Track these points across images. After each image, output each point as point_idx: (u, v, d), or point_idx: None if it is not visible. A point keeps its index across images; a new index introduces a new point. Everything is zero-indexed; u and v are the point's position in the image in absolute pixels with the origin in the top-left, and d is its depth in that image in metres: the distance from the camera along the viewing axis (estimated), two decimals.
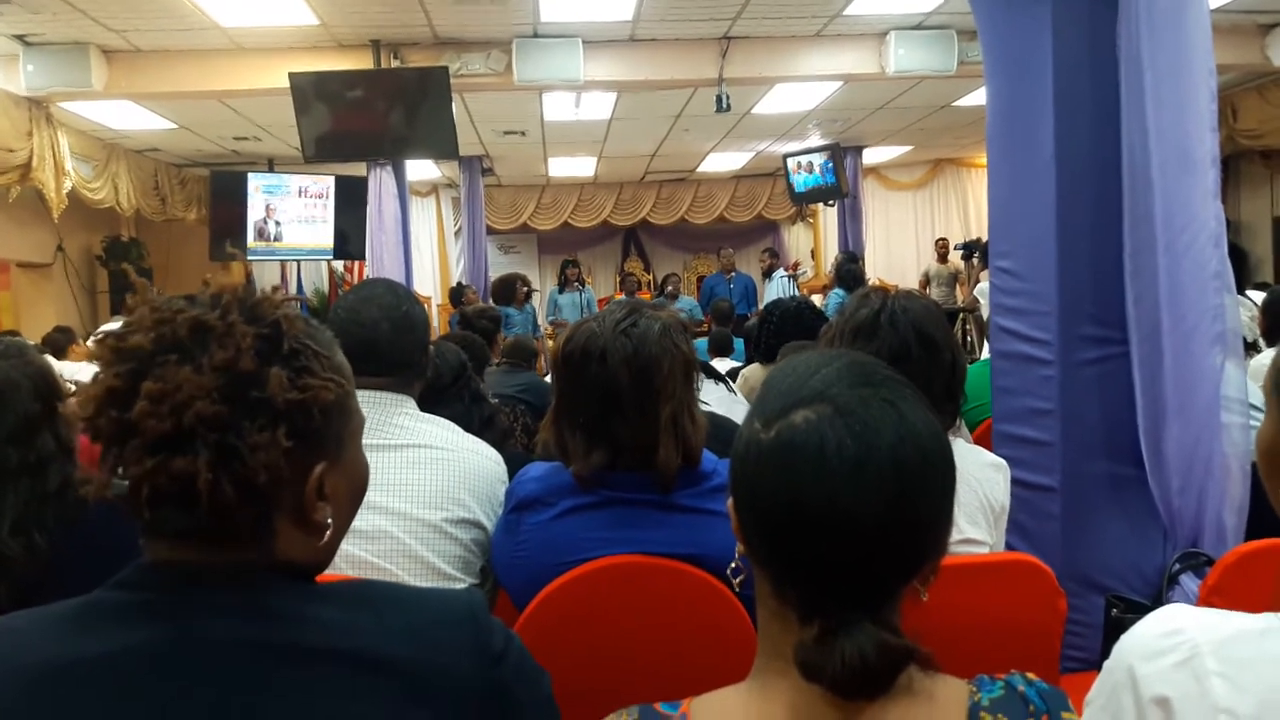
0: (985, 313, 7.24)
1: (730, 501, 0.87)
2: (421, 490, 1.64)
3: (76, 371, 4.98)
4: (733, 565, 0.93)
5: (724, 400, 2.90)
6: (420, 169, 10.84)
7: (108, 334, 0.82)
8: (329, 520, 0.86)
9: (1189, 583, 2.00)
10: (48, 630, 0.80)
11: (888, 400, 0.82)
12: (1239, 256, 9.28)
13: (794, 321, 3.27)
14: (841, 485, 0.78)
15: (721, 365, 4.26)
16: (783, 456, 0.81)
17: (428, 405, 1.84)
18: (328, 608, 0.83)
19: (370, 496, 1.59)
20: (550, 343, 9.02)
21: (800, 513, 0.79)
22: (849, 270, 8.22)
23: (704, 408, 1.62)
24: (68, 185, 7.37)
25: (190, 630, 0.79)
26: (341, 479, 0.88)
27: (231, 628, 0.79)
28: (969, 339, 8.91)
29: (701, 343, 5.60)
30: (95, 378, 0.80)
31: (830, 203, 10.83)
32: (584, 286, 9.98)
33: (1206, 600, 1.60)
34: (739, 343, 5.49)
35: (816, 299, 8.67)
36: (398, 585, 0.97)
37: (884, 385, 0.84)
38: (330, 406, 0.84)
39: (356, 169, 8.39)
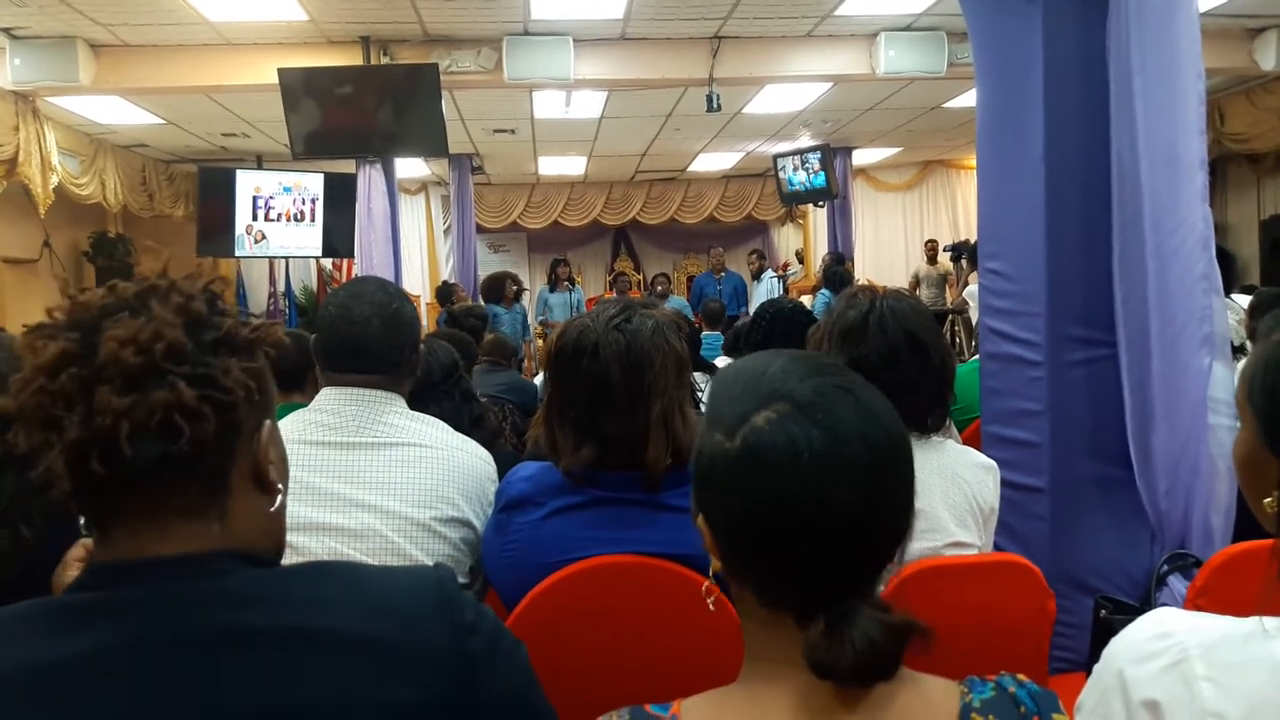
0: (974, 315, 7.27)
1: (700, 518, 0.86)
2: (410, 489, 1.63)
3: None
4: (708, 583, 0.92)
5: None
6: (409, 166, 10.80)
7: (39, 324, 0.83)
8: (280, 485, 0.88)
9: (1177, 584, 2.00)
10: (17, 633, 0.79)
11: (841, 387, 0.83)
12: (1226, 259, 9.33)
13: (786, 323, 3.26)
14: (817, 478, 0.78)
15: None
16: (753, 460, 0.80)
17: (417, 403, 1.83)
18: (296, 587, 0.83)
19: (359, 494, 1.61)
20: (540, 342, 9.00)
21: (781, 513, 0.79)
22: (836, 272, 8.25)
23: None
24: (54, 180, 7.33)
25: (162, 623, 0.78)
26: (275, 444, 0.89)
27: (202, 615, 0.78)
28: (957, 340, 8.94)
29: (714, 338, 5.64)
30: (38, 348, 0.80)
31: (820, 204, 10.84)
32: (574, 286, 9.99)
33: (1194, 602, 1.61)
34: (712, 339, 5.49)
35: (805, 300, 8.69)
36: (363, 564, 0.97)
37: (831, 372, 0.85)
38: (279, 347, 0.88)
39: (345, 166, 8.36)
